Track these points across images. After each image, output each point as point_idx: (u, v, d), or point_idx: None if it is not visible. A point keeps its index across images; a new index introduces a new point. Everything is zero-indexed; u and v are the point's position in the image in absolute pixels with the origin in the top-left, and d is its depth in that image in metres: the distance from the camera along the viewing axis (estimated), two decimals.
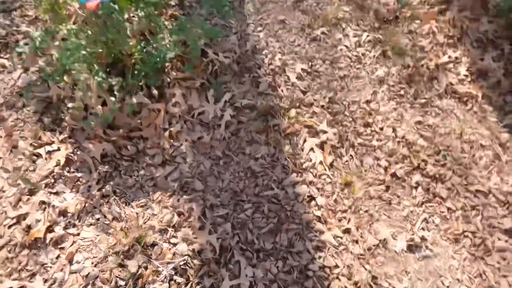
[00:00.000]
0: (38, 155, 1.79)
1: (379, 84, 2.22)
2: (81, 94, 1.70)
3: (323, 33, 2.46)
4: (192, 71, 2.09)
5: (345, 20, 2.55)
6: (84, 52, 1.56)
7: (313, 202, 1.74)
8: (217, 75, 2.16)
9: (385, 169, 1.86)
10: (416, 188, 1.82)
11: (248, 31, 2.45)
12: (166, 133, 1.88)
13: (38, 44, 1.55)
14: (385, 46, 2.36)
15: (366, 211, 1.74)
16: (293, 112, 2.03)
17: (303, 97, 2.13)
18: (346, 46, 2.40)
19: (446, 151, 1.92)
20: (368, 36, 2.43)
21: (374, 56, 2.33)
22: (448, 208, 1.77)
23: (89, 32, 1.77)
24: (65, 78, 1.88)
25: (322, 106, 2.08)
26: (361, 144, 1.95)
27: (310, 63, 2.29)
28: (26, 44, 1.85)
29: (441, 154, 1.91)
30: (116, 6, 1.63)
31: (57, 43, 1.95)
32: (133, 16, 2.18)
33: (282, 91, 2.15)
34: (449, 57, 2.31)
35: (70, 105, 1.75)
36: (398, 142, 1.96)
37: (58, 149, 1.80)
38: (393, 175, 1.84)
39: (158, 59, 1.87)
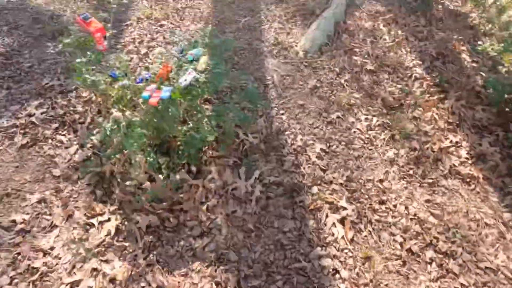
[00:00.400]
0: (91, 225, 2.01)
1: (390, 164, 2.50)
2: (136, 173, 1.97)
3: (338, 117, 2.81)
4: (226, 150, 2.39)
5: (356, 105, 2.92)
6: (144, 139, 1.87)
7: (337, 275, 1.91)
8: (247, 154, 2.46)
9: (401, 244, 2.05)
10: (430, 263, 1.99)
11: (272, 114, 2.80)
12: (204, 207, 2.12)
13: (109, 133, 1.85)
14: (393, 130, 2.69)
15: (386, 285, 1.90)
16: (315, 189, 2.28)
17: (323, 175, 2.39)
18: (359, 129, 2.72)
19: (455, 228, 2.13)
20: (377, 121, 2.78)
21: (384, 139, 2.64)
22: (462, 284, 1.92)
23: (143, 118, 2.10)
24: (117, 156, 2.18)
25: (341, 184, 2.34)
26: (377, 220, 2.16)
27: (328, 144, 2.60)
28: (97, 132, 2.17)
29: (450, 232, 2.11)
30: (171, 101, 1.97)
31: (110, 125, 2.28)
32: None
33: (304, 169, 2.42)
34: (451, 141, 2.62)
35: (127, 183, 2.00)
36: (411, 219, 2.18)
37: (109, 220, 2.03)
38: (409, 250, 2.02)
39: (200, 141, 2.18)
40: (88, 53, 2.19)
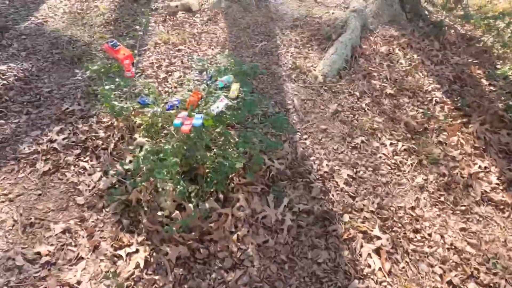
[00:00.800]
0: (119, 257, 1.93)
1: (420, 191, 2.44)
2: (166, 203, 1.90)
3: (362, 141, 2.77)
4: (253, 176, 2.34)
5: (379, 130, 2.89)
6: (178, 168, 1.82)
7: None
8: (273, 180, 2.40)
9: (441, 276, 1.97)
10: None
11: (295, 139, 2.77)
12: (234, 237, 2.04)
13: (141, 162, 1.80)
14: (420, 155, 2.65)
15: None
16: (346, 217, 2.21)
17: (352, 202, 2.33)
18: (385, 154, 2.68)
19: (495, 259, 2.05)
20: (403, 145, 2.74)
21: (411, 164, 2.60)
22: None
23: (174, 146, 2.06)
24: (144, 183, 2.12)
25: (372, 212, 2.27)
26: (414, 251, 2.08)
27: (354, 170, 2.55)
28: (130, 161, 2.12)
29: (490, 262, 2.03)
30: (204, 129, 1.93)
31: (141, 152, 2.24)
32: None
33: (333, 196, 2.36)
34: (479, 166, 2.57)
35: (159, 213, 1.94)
36: (448, 249, 2.10)
37: (137, 251, 1.95)
38: (450, 283, 1.94)
39: (229, 168, 2.13)
40: (117, 79, 2.17)
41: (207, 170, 2.17)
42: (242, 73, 2.21)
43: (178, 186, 1.98)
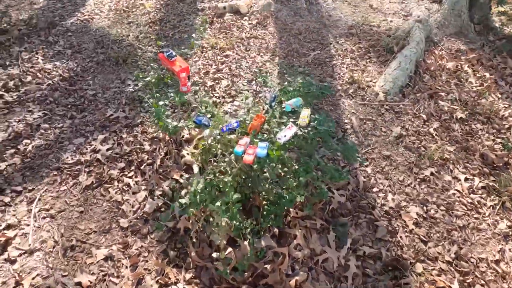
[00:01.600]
0: None
1: (504, 240, 2.11)
2: (222, 242, 1.69)
3: (432, 174, 2.45)
4: (311, 209, 2.09)
5: (451, 161, 2.56)
6: (240, 206, 1.59)
7: None
8: (333, 214, 2.14)
9: None
10: None
11: (355, 165, 2.48)
12: (292, 281, 1.80)
13: (199, 198, 1.59)
14: (502, 196, 2.30)
15: None
16: (419, 267, 1.92)
17: (424, 247, 2.03)
18: (459, 191, 2.36)
19: None
20: (480, 182, 2.40)
21: (492, 206, 2.26)
22: None
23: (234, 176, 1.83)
24: (193, 212, 1.91)
25: (449, 262, 1.97)
26: None
27: (424, 208, 2.25)
28: (186, 194, 1.93)
29: None
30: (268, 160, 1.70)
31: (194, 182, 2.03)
32: None
33: (401, 238, 2.07)
34: None
35: (214, 255, 1.73)
36: None
37: None
38: None
39: (289, 202, 1.88)
40: (171, 94, 1.97)
41: (263, 202, 1.94)
42: (311, 95, 1.95)
43: (234, 221, 1.75)
